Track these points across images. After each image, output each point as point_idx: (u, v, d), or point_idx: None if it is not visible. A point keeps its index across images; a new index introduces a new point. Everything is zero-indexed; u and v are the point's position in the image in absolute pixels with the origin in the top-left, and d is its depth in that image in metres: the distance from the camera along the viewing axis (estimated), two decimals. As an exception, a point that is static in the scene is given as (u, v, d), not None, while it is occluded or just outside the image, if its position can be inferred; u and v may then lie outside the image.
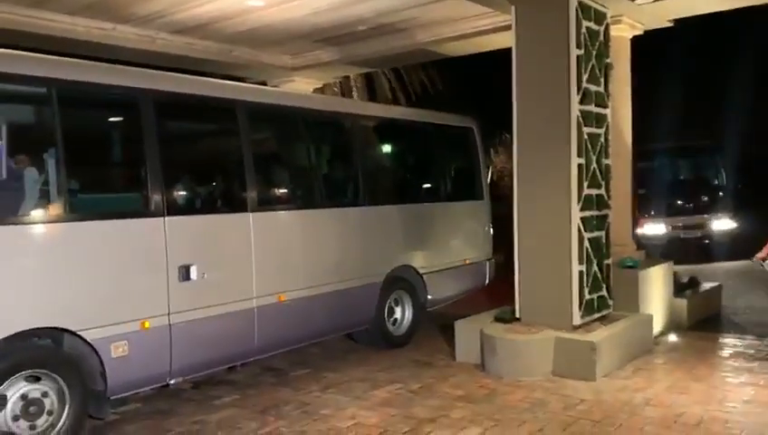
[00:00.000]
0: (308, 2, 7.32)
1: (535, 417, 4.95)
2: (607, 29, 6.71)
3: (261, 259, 5.63)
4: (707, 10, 7.61)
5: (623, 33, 7.69)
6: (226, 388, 5.86)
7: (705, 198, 14.68)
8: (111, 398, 4.77)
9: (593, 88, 6.44)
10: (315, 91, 11.08)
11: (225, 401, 5.53)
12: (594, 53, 6.45)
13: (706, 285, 8.68)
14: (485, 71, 12.05)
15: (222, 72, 9.51)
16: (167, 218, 4.95)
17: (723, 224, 14.13)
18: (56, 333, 4.43)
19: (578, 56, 6.17)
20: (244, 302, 5.51)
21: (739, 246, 12.56)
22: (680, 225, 14.10)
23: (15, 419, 4.20)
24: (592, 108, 6.43)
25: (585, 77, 6.29)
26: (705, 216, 14.18)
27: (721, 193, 14.94)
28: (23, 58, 4.55)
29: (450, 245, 7.95)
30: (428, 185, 8.39)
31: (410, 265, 7.30)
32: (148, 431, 4.91)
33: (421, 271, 7.41)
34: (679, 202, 14.50)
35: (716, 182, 15.30)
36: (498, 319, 6.52)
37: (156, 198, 4.91)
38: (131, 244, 4.80)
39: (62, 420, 4.39)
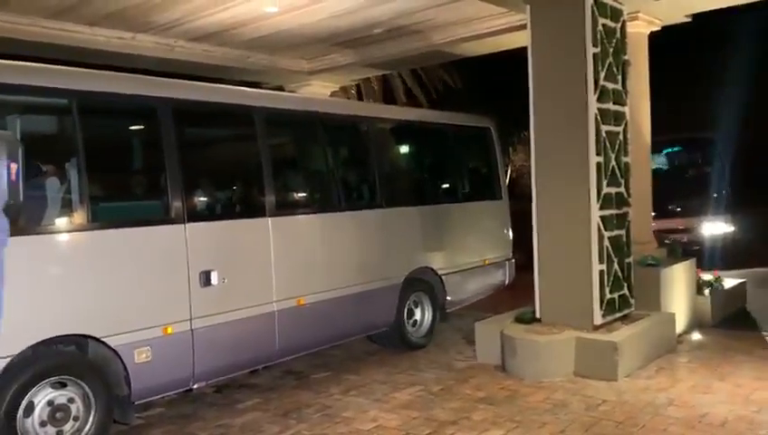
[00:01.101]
0: (323, 6, 7.36)
1: (557, 418, 4.92)
2: (623, 26, 6.66)
3: (280, 263, 5.67)
4: (725, 4, 7.50)
5: (640, 29, 7.62)
6: (248, 391, 5.91)
7: (696, 198, 12.83)
8: (136, 403, 4.83)
9: (611, 86, 6.39)
10: (332, 94, 11.13)
11: (247, 404, 5.58)
12: (611, 50, 6.40)
13: (730, 283, 8.56)
14: (503, 69, 11.99)
15: (239, 78, 9.60)
16: (187, 225, 5.02)
17: (716, 227, 12.36)
18: (81, 340, 4.52)
19: (594, 54, 6.13)
20: (265, 306, 5.55)
21: (736, 253, 11.28)
22: (661, 228, 11.97)
23: (43, 425, 4.28)
24: (610, 106, 6.38)
25: (602, 75, 6.25)
26: (694, 218, 12.41)
27: (716, 193, 13.00)
28: (44, 70, 4.63)
29: (469, 245, 7.93)
30: (446, 186, 8.39)
31: (429, 267, 7.30)
32: (172, 436, 4.98)
33: (440, 272, 7.41)
34: (662, 202, 11.82)
35: (711, 180, 13.37)
36: (518, 320, 6.49)
37: (176, 204, 4.98)
38: (153, 251, 4.87)
39: (87, 426, 4.47)
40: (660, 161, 13.39)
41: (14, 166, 0.78)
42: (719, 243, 12.12)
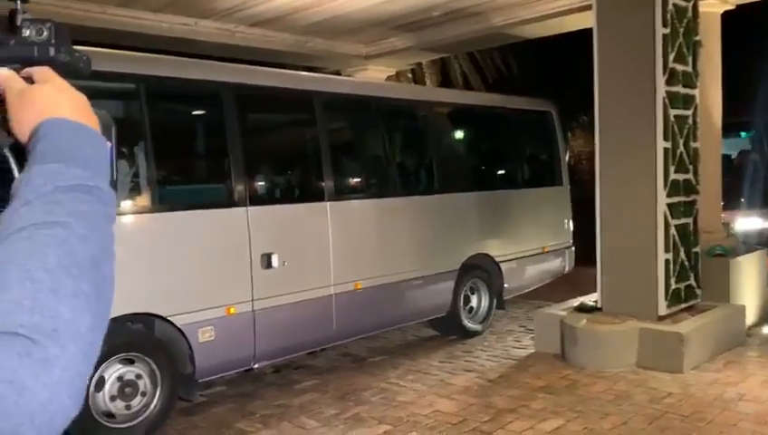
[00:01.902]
0: (383, -11, 7.31)
1: (619, 409, 4.81)
2: (695, 5, 6.37)
3: (338, 247, 5.71)
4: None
5: (713, 8, 7.28)
6: (306, 372, 6.00)
7: (728, 189, 10.62)
8: (199, 381, 4.96)
9: (680, 68, 6.14)
10: (388, 78, 11.08)
11: (305, 385, 5.66)
12: (681, 30, 6.14)
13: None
14: (561, 53, 11.67)
15: (297, 63, 9.65)
16: (249, 208, 5.09)
17: (749, 223, 10.79)
18: (148, 319, 4.66)
19: (664, 35, 5.89)
20: (323, 289, 5.60)
21: None
22: None
23: (113, 399, 4.45)
24: (680, 89, 6.13)
25: (672, 56, 6.00)
26: (726, 211, 10.40)
27: (752, 184, 11.44)
28: (113, 56, 4.75)
29: (528, 232, 7.80)
30: (506, 171, 8.26)
31: (487, 254, 7.21)
32: (234, 413, 5.09)
33: (498, 259, 7.31)
34: None
35: (745, 168, 11.83)
36: (579, 309, 6.36)
37: (239, 188, 5.06)
38: (217, 233, 4.97)
39: (154, 402, 4.62)
40: None
41: (108, 144, 0.79)
42: (753, 240, 10.45)
